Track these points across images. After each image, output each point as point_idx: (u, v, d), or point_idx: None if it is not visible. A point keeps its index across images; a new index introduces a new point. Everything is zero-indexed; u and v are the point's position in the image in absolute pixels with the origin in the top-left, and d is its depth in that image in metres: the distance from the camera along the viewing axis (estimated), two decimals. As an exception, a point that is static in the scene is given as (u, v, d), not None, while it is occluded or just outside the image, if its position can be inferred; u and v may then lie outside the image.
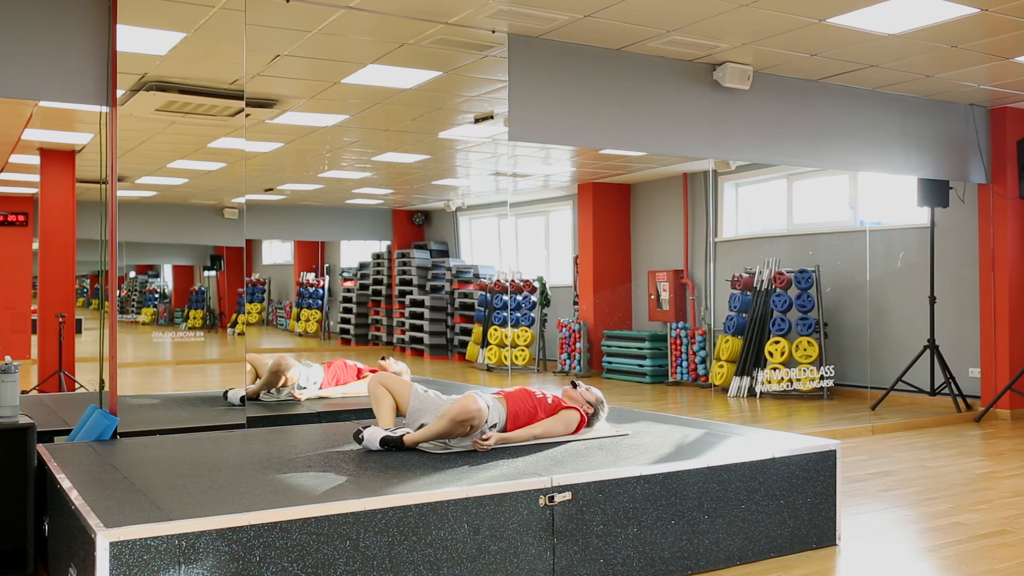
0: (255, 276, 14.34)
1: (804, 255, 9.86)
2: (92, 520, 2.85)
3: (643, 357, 11.26)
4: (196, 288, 13.87)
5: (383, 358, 6.59)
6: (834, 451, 4.26)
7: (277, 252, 14.63)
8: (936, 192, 8.40)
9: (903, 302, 9.17)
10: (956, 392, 8.47)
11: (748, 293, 9.95)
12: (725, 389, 9.75)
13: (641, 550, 3.66)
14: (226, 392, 6.05)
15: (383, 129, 8.73)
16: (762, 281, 9.83)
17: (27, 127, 7.74)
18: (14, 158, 9.13)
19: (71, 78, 4.72)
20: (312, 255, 14.19)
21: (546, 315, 12.74)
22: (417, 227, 14.33)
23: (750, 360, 9.62)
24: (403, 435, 4.20)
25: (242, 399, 5.87)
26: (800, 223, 10.14)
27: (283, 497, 3.21)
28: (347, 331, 13.94)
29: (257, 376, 6.22)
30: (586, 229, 12.17)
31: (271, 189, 11.72)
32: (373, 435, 4.21)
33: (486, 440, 4.15)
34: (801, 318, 9.38)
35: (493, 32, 5.80)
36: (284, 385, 6.20)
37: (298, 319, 13.74)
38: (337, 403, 6.03)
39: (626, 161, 10.46)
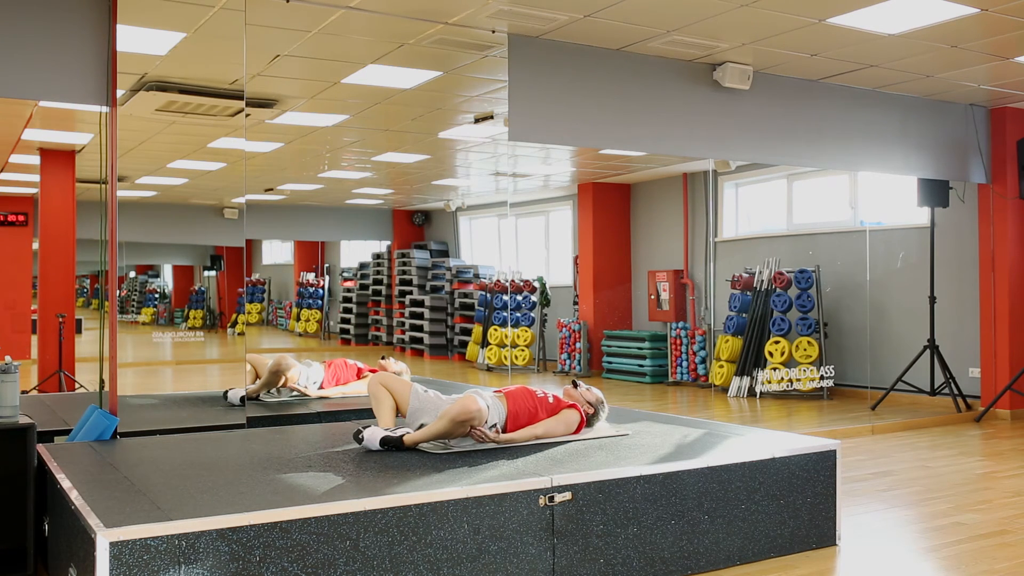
0: (255, 276, 14.35)
1: (804, 255, 9.86)
2: (92, 520, 2.85)
3: (643, 357, 11.26)
4: (196, 288, 13.87)
5: (383, 358, 6.59)
6: (834, 451, 4.26)
7: (277, 252, 14.63)
8: (936, 192, 8.40)
9: (903, 302, 9.17)
10: (956, 392, 8.46)
11: (748, 293, 9.95)
12: (725, 389, 9.75)
13: (641, 550, 3.66)
14: (226, 392, 6.05)
15: (383, 129, 8.73)
16: (762, 281, 9.83)
17: (27, 127, 7.74)
18: (14, 158, 9.13)
19: (71, 78, 4.71)
20: (312, 255, 14.19)
21: (546, 315, 12.74)
22: (417, 227, 14.33)
23: (750, 360, 9.62)
24: (403, 435, 4.20)
25: (242, 399, 5.87)
26: (800, 223, 10.14)
27: (283, 497, 3.20)
28: (347, 331, 13.94)
29: (257, 376, 6.22)
30: (586, 229, 12.18)
31: (271, 189, 11.72)
32: (373, 435, 4.21)
33: (488, 436, 4.15)
34: (801, 318, 9.38)
35: (493, 32, 5.80)
36: (284, 385, 6.21)
37: (298, 319, 13.75)
38: (337, 403, 6.03)
39: (626, 161, 10.46)
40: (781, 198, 10.34)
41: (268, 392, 6.17)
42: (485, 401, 4.24)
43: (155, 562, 2.78)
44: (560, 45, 6.08)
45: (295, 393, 6.22)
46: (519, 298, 12.45)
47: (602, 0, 5.29)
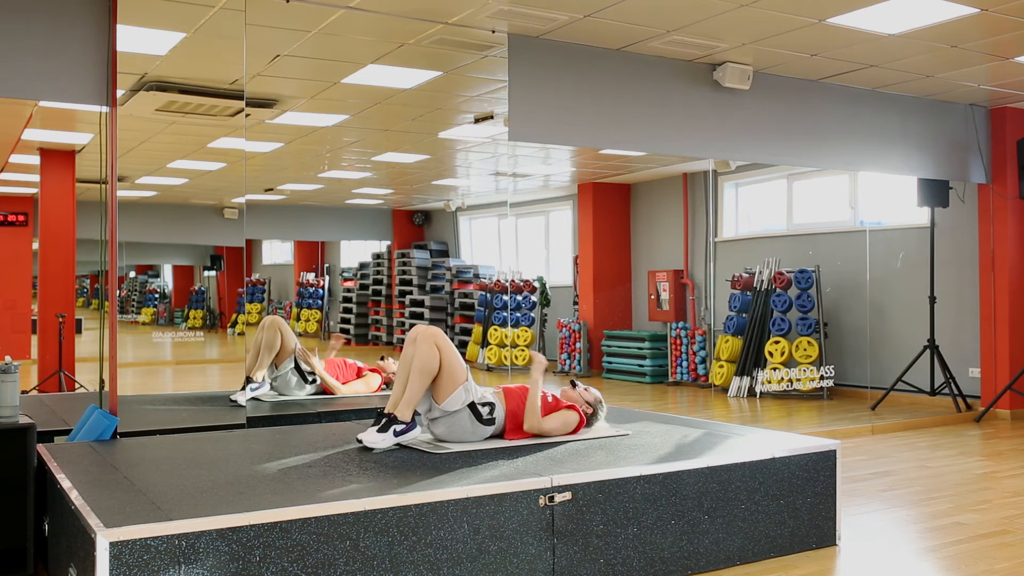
0: (255, 276, 14.35)
1: (804, 255, 9.86)
2: (92, 520, 2.85)
3: (643, 357, 11.26)
4: (196, 288, 13.89)
5: (382, 358, 6.58)
6: (834, 451, 4.26)
7: (277, 252, 14.64)
8: (936, 192, 8.40)
9: (903, 302, 9.17)
10: (956, 392, 8.47)
11: (748, 293, 9.95)
12: (725, 389, 9.75)
13: (641, 550, 3.66)
14: (231, 395, 6.03)
15: (383, 129, 8.73)
16: (762, 281, 9.83)
17: (27, 127, 7.74)
18: (14, 158, 9.13)
19: (71, 78, 4.71)
20: (312, 255, 14.20)
21: (546, 315, 12.73)
22: (417, 227, 14.33)
23: (750, 360, 9.62)
24: (392, 413, 4.17)
25: (247, 379, 5.88)
26: (800, 223, 10.14)
27: (283, 497, 3.20)
28: (347, 331, 13.95)
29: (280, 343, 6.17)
30: (586, 229, 12.17)
31: (271, 189, 11.73)
32: (369, 434, 4.17)
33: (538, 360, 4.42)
34: (801, 318, 9.38)
35: (493, 32, 5.80)
36: (282, 354, 6.12)
37: (298, 319, 13.75)
38: (337, 403, 6.02)
39: (626, 161, 10.46)
40: (781, 198, 10.34)
41: (270, 362, 6.10)
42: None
43: (155, 562, 2.78)
44: (560, 45, 6.08)
45: (294, 367, 6.15)
46: (519, 298, 12.45)
47: (602, 0, 5.29)
